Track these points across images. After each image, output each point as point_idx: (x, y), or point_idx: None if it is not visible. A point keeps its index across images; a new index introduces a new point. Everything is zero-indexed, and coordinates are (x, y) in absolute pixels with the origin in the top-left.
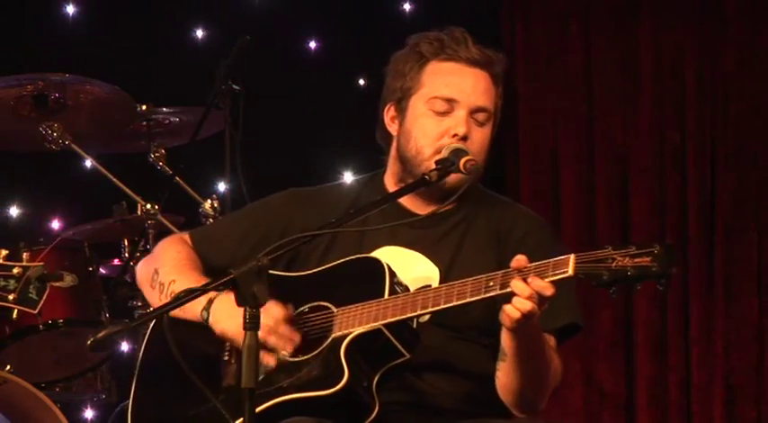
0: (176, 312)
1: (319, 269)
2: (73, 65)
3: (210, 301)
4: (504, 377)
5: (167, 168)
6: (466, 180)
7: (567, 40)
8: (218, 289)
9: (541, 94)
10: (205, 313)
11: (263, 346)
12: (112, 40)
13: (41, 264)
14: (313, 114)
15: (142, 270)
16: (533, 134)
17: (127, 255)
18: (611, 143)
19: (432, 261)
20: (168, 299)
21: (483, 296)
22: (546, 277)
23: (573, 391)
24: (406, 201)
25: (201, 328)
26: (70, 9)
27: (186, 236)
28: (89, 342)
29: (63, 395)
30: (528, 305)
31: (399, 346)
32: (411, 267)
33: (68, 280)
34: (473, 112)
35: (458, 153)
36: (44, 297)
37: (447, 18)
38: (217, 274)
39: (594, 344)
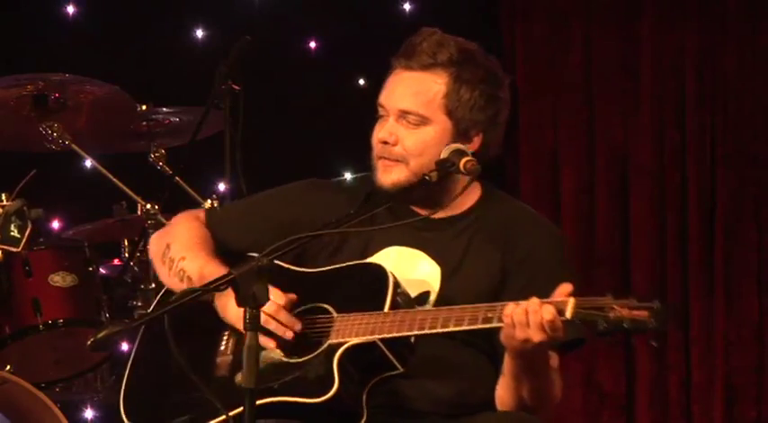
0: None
1: (325, 269)
2: (73, 65)
3: None
4: (504, 393)
5: (167, 168)
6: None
7: (567, 40)
8: (219, 288)
9: (541, 94)
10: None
11: (263, 328)
12: (112, 40)
13: (20, 199)
14: (313, 114)
15: (155, 244)
16: (533, 134)
17: (127, 255)
18: (611, 143)
19: (436, 263)
20: (176, 276)
21: (480, 326)
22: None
23: (573, 391)
24: (419, 200)
25: (203, 309)
26: (70, 9)
27: (201, 214)
28: (89, 342)
29: (63, 395)
30: (524, 333)
31: (393, 360)
32: (414, 268)
33: (36, 213)
34: (399, 116)
35: (458, 153)
36: (26, 235)
37: (447, 18)
38: (227, 255)
39: (594, 344)
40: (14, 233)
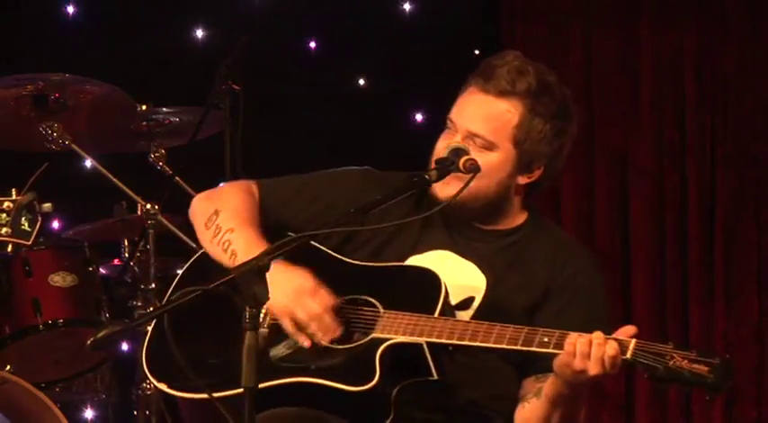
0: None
1: (377, 264)
2: (73, 65)
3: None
4: (531, 415)
5: (167, 168)
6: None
7: (566, 40)
8: (219, 288)
9: None
10: None
11: (303, 328)
12: (112, 40)
13: (31, 193)
14: (313, 114)
15: (201, 206)
16: None
17: (127, 255)
18: (611, 143)
19: (482, 272)
20: (220, 246)
21: (533, 349)
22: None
23: None
24: (470, 214)
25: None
26: (70, 9)
27: (254, 186)
28: (89, 342)
29: (63, 395)
30: (583, 364)
31: (432, 366)
32: (460, 274)
33: (47, 207)
34: (467, 136)
35: (457, 152)
36: (36, 228)
37: (447, 18)
38: (270, 229)
39: None
40: (25, 227)
